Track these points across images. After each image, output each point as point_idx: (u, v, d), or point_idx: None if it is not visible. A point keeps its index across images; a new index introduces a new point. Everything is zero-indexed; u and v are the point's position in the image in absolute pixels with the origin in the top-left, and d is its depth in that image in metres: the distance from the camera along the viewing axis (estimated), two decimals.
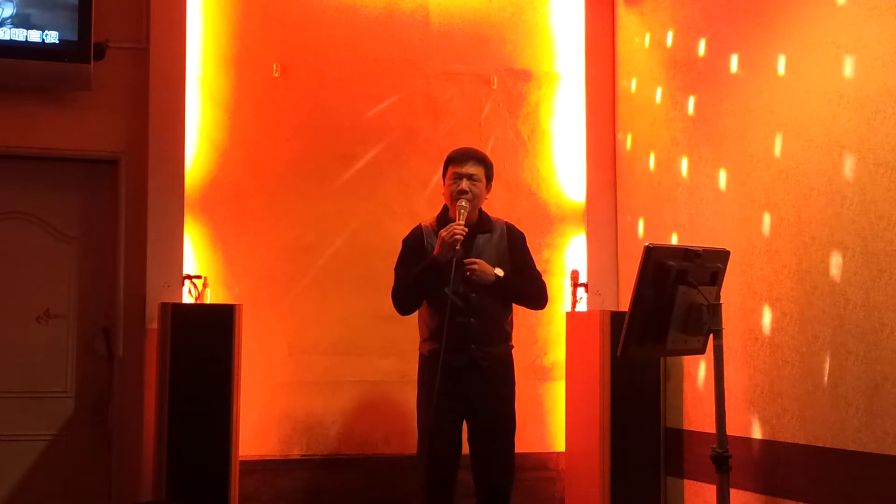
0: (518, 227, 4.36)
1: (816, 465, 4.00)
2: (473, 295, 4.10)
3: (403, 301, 4.16)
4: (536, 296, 4.29)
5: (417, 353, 4.29)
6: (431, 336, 4.15)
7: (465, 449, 4.19)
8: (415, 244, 4.21)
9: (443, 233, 3.99)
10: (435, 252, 4.03)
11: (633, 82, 5.40)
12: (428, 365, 4.15)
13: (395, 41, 5.31)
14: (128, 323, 4.83)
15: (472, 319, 4.09)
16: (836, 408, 3.92)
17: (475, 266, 4.07)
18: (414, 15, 5.35)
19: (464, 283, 4.06)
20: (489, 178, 4.22)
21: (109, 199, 4.96)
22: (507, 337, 4.24)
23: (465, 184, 4.11)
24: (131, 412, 4.76)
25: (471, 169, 4.15)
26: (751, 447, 4.33)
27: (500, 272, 4.13)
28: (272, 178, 5.09)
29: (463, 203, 4.06)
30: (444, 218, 4.20)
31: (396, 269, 4.22)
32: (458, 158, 4.19)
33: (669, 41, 5.08)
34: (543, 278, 4.36)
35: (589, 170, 5.50)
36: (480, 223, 4.19)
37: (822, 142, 4.03)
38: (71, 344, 4.89)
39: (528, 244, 4.34)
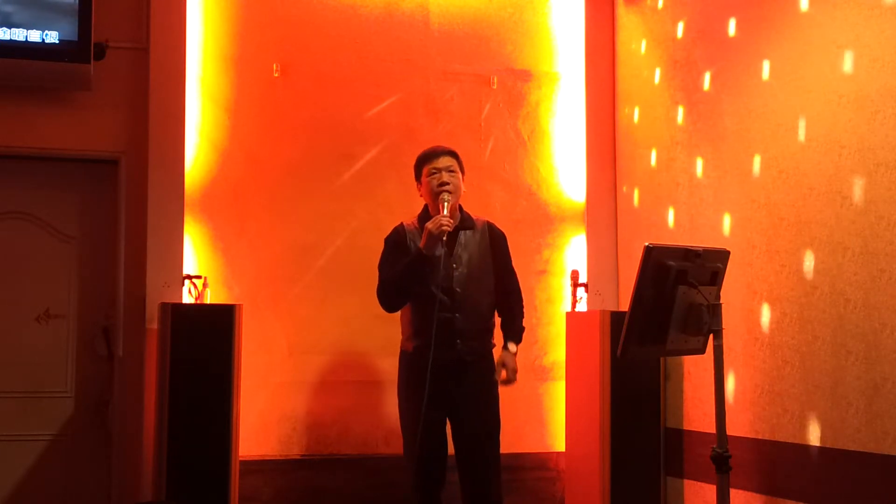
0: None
1: (816, 465, 4.00)
2: (458, 290, 4.10)
3: (389, 297, 4.15)
4: (522, 314, 4.33)
5: None
6: (415, 332, 4.14)
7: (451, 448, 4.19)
8: (398, 241, 4.21)
9: (429, 225, 3.98)
10: (421, 244, 4.03)
11: (633, 82, 5.40)
12: (411, 362, 4.15)
13: (395, 41, 5.31)
14: (128, 323, 4.83)
15: (456, 315, 4.09)
16: (836, 408, 3.92)
17: (512, 377, 4.15)
18: (414, 15, 5.35)
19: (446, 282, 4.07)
20: (462, 169, 4.24)
21: (109, 199, 4.96)
22: (490, 334, 4.25)
23: (445, 176, 4.13)
24: (131, 412, 4.76)
25: (445, 162, 4.17)
26: (751, 447, 4.33)
27: (513, 348, 4.19)
28: (272, 178, 5.09)
29: (445, 196, 4.07)
30: (426, 217, 4.19)
31: (380, 267, 4.22)
32: (430, 156, 4.20)
33: (669, 41, 5.08)
34: (520, 282, 4.38)
35: (589, 170, 5.50)
36: (463, 220, 4.20)
37: (822, 142, 4.03)
38: (71, 344, 4.89)
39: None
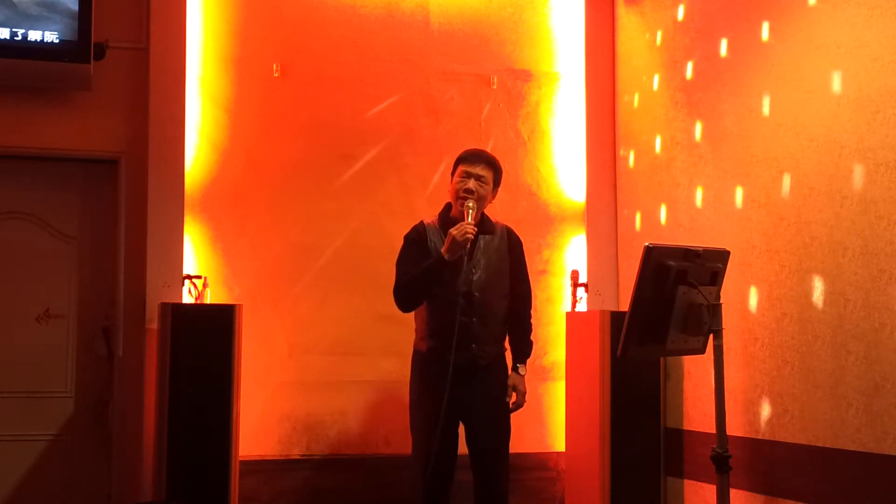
0: (518, 229, 4.38)
1: (816, 465, 4.00)
2: (476, 294, 4.11)
3: (407, 298, 4.15)
4: (531, 327, 4.35)
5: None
6: (430, 333, 4.15)
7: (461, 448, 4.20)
8: (418, 240, 4.21)
9: (454, 231, 3.98)
10: (444, 249, 4.03)
11: (633, 82, 5.40)
12: (425, 363, 4.16)
13: (395, 41, 5.31)
14: (128, 323, 4.83)
15: (473, 319, 4.10)
16: (836, 408, 3.92)
17: (522, 400, 4.23)
18: (414, 15, 5.35)
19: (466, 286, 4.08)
20: (497, 182, 4.23)
21: (109, 199, 4.96)
22: (503, 338, 4.27)
23: (472, 183, 4.12)
24: (131, 412, 4.76)
25: (481, 171, 4.15)
26: (751, 447, 4.33)
27: (522, 371, 4.24)
28: (272, 178, 5.09)
29: (470, 203, 4.07)
30: (447, 216, 4.20)
31: (398, 264, 4.21)
32: (469, 158, 4.19)
33: (669, 41, 5.08)
34: (532, 287, 4.41)
35: (589, 170, 5.50)
36: (483, 224, 4.20)
37: (822, 142, 4.03)
38: (71, 344, 4.89)
39: (529, 244, 4.35)
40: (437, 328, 4.11)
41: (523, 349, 4.29)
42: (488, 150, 5.16)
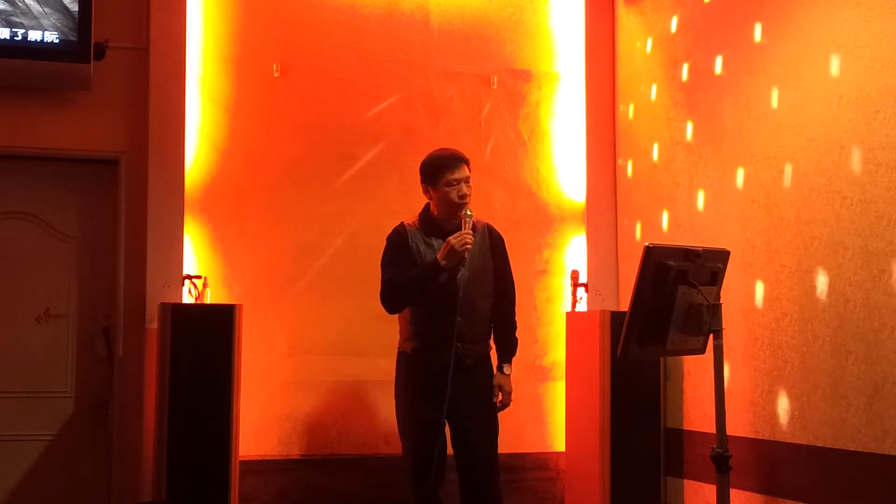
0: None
1: (816, 465, 4.01)
2: (460, 293, 4.10)
3: (393, 300, 4.14)
4: (515, 325, 4.32)
5: None
6: (415, 334, 4.14)
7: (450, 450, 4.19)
8: (400, 241, 4.20)
9: (453, 240, 3.97)
10: (440, 256, 4.02)
11: (633, 82, 5.40)
12: (410, 364, 4.15)
13: (395, 41, 5.31)
14: (128, 323, 4.83)
15: (458, 318, 4.09)
16: (836, 408, 3.92)
17: (508, 400, 4.19)
18: (414, 15, 5.35)
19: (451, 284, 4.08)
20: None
21: (109, 199, 4.96)
22: (488, 336, 4.26)
23: (465, 188, 4.11)
24: (131, 412, 4.76)
25: (465, 172, 4.13)
26: (751, 447, 4.33)
27: (507, 370, 4.21)
28: (272, 178, 5.09)
29: (468, 211, 4.06)
30: (427, 217, 4.19)
31: (383, 266, 4.19)
32: (449, 164, 4.11)
33: (669, 41, 5.08)
34: (515, 285, 4.36)
35: (589, 170, 5.50)
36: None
37: (822, 142, 4.03)
38: (71, 344, 4.89)
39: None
40: (421, 328, 4.11)
41: (508, 348, 4.27)
42: (488, 150, 5.18)
